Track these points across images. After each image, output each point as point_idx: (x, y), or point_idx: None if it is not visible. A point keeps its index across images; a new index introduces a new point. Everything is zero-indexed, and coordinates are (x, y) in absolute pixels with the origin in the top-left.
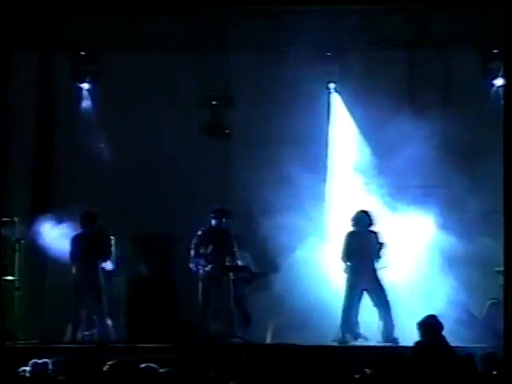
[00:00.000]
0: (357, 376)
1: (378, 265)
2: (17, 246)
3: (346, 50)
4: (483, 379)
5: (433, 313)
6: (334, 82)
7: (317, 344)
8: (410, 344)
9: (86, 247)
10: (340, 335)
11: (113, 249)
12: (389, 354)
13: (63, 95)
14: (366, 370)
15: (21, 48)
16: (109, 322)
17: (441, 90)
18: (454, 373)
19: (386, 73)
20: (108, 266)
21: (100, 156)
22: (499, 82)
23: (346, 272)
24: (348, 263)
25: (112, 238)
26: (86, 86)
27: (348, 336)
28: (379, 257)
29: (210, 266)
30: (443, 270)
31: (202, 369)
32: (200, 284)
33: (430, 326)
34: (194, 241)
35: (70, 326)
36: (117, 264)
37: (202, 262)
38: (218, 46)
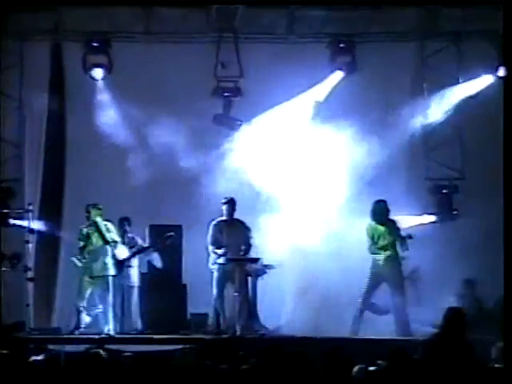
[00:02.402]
0: (371, 368)
1: (398, 254)
2: (30, 236)
3: (358, 42)
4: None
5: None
6: (344, 71)
7: (330, 336)
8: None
9: None
10: (354, 325)
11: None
12: (402, 345)
13: (74, 86)
14: (380, 361)
15: (32, 39)
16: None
17: (453, 82)
18: (468, 367)
19: (398, 64)
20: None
21: (112, 147)
22: None
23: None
24: (375, 254)
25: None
26: (97, 76)
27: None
28: (400, 246)
29: (223, 257)
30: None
31: (214, 361)
32: (214, 275)
33: (450, 318)
34: (208, 232)
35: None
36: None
37: (215, 253)
38: (230, 36)
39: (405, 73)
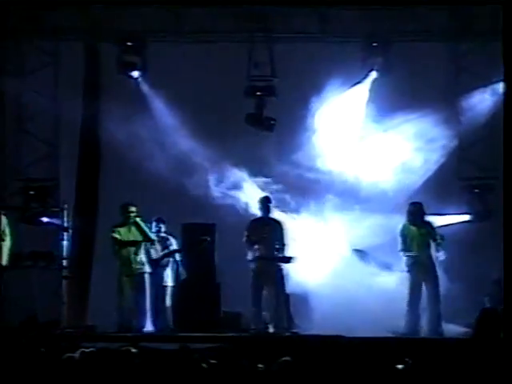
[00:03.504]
0: (399, 366)
1: (435, 255)
2: (64, 235)
3: (391, 41)
4: None
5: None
6: (377, 71)
7: (364, 335)
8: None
9: None
10: (405, 327)
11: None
12: (431, 344)
13: (109, 86)
14: (407, 359)
15: (67, 38)
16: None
17: (487, 82)
18: (503, 368)
19: (431, 64)
20: (153, 254)
21: (146, 146)
22: None
23: (407, 264)
24: (407, 255)
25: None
26: (131, 76)
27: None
28: (436, 247)
29: (259, 256)
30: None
31: (251, 360)
32: (251, 275)
33: (485, 319)
34: (245, 231)
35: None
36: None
37: (251, 252)
38: (262, 35)
39: (438, 72)
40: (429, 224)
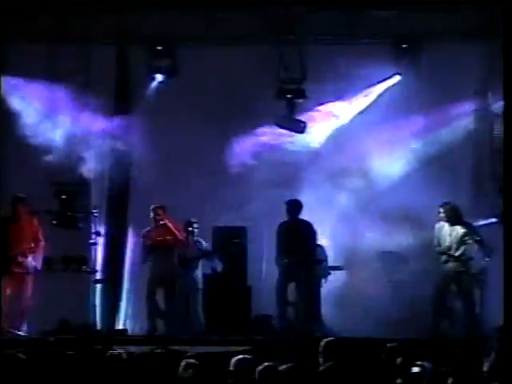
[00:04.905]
0: (416, 370)
1: (463, 256)
2: (96, 238)
3: (420, 43)
4: None
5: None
6: (400, 74)
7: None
8: None
9: None
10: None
11: None
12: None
13: (140, 90)
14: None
15: (97, 43)
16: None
17: None
18: None
19: (462, 64)
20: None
21: (175, 150)
22: None
23: (440, 264)
24: (442, 256)
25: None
26: (161, 80)
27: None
28: (465, 248)
29: (287, 259)
30: None
31: (278, 361)
32: (278, 277)
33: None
34: (275, 234)
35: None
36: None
37: (280, 254)
38: (293, 38)
39: (470, 74)
40: (467, 224)
